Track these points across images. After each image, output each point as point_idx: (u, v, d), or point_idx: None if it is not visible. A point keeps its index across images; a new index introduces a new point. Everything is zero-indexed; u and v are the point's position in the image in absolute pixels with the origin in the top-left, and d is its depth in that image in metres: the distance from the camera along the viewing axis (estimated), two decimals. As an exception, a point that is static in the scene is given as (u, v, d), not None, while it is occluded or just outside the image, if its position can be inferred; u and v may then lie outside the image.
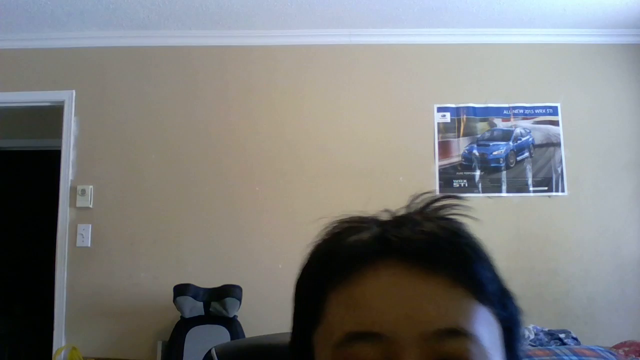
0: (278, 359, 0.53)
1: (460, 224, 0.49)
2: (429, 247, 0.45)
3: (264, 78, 3.18)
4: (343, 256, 0.47)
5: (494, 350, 0.46)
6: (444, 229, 0.47)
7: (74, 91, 3.16)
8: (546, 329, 2.56)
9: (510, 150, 3.10)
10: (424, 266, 0.45)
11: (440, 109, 3.14)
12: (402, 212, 0.50)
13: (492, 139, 3.12)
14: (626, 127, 3.13)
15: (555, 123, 3.13)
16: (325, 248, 0.50)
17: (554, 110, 3.14)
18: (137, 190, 3.09)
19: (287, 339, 0.52)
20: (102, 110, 3.17)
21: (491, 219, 2.99)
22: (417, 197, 0.51)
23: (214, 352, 0.49)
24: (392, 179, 3.04)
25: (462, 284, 0.45)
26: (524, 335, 0.48)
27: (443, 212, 0.50)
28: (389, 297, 0.44)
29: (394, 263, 0.45)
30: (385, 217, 0.50)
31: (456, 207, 0.50)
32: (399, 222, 0.49)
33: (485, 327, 0.45)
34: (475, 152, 3.10)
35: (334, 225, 0.50)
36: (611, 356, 1.77)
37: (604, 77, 3.18)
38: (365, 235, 0.48)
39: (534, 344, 2.34)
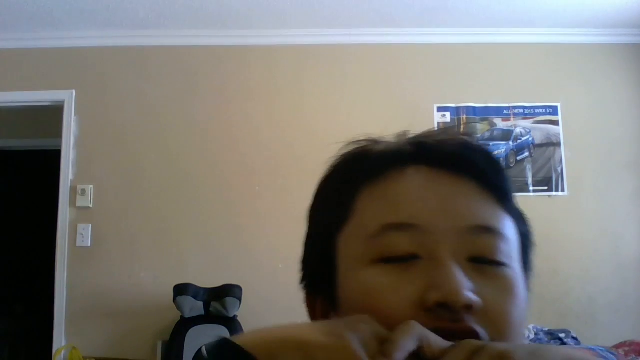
0: None
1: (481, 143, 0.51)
2: (460, 153, 0.47)
3: (264, 78, 3.18)
4: (376, 157, 0.49)
5: (516, 257, 0.47)
6: (470, 142, 0.50)
7: (74, 91, 3.16)
8: (546, 329, 2.56)
9: (510, 150, 3.10)
10: (453, 171, 0.47)
11: (440, 109, 3.14)
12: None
13: (492, 138, 3.12)
14: (626, 127, 3.13)
15: (555, 123, 3.13)
16: (354, 154, 0.51)
17: (554, 110, 3.14)
18: (137, 190, 3.09)
19: None
20: (102, 110, 3.17)
21: (491, 219, 3.00)
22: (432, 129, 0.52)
23: (204, 350, 0.48)
24: (392, 178, 3.04)
25: (489, 190, 0.47)
26: (532, 255, 0.52)
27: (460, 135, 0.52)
28: (424, 193, 0.46)
29: (424, 169, 0.47)
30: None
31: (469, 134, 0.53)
32: (426, 135, 0.51)
33: (510, 232, 0.47)
34: (475, 152, 3.10)
35: (359, 140, 0.52)
36: (611, 356, 1.77)
37: (604, 77, 3.18)
38: (395, 142, 0.50)
39: (534, 344, 2.33)
